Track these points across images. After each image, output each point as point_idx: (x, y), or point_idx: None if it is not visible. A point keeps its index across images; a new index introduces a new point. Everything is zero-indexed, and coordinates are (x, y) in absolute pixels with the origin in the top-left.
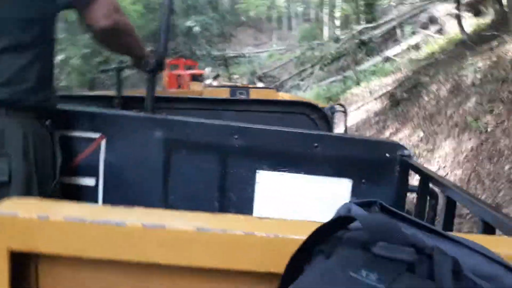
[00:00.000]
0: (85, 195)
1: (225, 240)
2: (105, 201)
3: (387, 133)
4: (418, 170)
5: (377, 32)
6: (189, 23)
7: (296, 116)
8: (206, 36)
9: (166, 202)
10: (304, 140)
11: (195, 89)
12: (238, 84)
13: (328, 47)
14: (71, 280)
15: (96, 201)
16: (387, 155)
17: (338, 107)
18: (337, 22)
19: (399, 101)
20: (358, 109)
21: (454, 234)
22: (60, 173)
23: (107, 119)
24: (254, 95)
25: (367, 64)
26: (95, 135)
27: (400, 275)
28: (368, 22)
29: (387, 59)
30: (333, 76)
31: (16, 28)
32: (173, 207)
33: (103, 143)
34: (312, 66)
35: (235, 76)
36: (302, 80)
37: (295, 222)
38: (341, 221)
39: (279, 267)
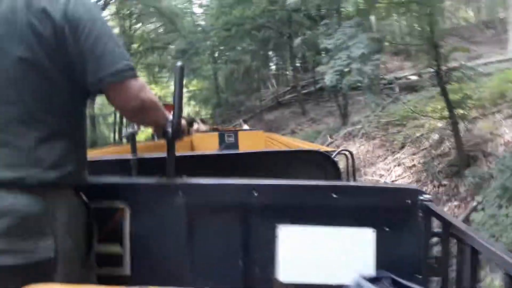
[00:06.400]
0: (113, 262)
1: None
2: (132, 268)
3: None
4: (439, 217)
5: None
6: None
7: (307, 165)
8: None
9: (192, 265)
10: (323, 191)
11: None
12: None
13: None
14: None
15: (123, 267)
16: (408, 201)
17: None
18: None
19: None
20: None
21: None
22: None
23: (129, 188)
24: (242, 137)
25: None
26: (121, 204)
27: None
28: None
29: None
30: None
31: (55, 117)
32: (198, 270)
33: (127, 211)
34: None
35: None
36: None
37: None
38: None
39: None
